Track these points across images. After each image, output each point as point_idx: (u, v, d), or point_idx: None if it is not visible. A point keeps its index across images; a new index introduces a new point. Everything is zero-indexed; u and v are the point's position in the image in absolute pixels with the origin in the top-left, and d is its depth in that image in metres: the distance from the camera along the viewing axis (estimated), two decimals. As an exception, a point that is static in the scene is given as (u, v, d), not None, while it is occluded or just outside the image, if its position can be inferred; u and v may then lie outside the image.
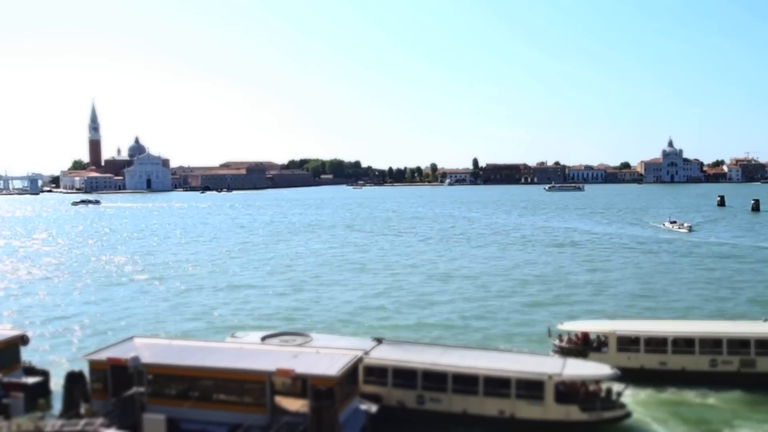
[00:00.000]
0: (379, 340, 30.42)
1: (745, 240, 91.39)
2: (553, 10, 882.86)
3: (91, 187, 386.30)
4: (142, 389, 24.49)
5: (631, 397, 28.06)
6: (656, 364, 31.95)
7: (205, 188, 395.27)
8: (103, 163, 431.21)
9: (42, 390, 28.89)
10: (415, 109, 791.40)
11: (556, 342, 34.28)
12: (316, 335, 32.04)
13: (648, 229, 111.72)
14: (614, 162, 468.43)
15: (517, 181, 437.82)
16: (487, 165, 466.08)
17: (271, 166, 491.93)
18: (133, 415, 24.20)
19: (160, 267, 72.97)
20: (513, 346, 35.73)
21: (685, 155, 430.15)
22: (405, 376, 27.18)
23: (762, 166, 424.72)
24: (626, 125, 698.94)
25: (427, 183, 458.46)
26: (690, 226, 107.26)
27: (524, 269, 67.33)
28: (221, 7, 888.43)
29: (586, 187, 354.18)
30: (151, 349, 27.18)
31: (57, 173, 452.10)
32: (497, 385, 26.37)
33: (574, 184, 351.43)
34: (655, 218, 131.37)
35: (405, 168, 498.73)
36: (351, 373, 25.66)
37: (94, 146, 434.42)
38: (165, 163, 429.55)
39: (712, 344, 31.80)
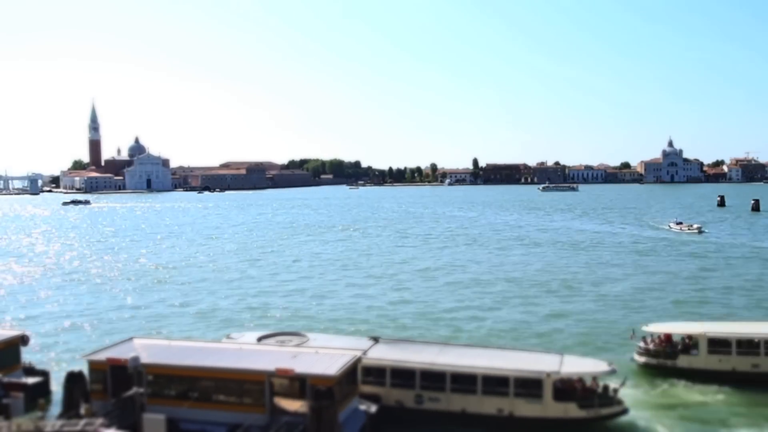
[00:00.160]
0: (376, 339, 30.54)
1: (763, 242, 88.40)
2: (554, 11, 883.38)
3: (91, 187, 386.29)
4: (141, 389, 24.56)
5: (627, 393, 28.09)
6: (748, 367, 31.62)
7: (204, 188, 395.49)
8: (103, 163, 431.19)
9: (42, 390, 28.94)
10: (415, 110, 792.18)
11: (641, 344, 33.91)
12: (313, 335, 32.12)
13: (654, 230, 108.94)
14: (614, 162, 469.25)
15: (517, 181, 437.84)
16: (487, 165, 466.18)
17: (271, 166, 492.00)
18: (133, 415, 24.26)
19: (159, 267, 73.01)
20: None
21: (685, 155, 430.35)
22: (403, 376, 27.26)
23: (762, 166, 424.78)
24: (626, 125, 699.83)
25: (427, 183, 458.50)
26: (699, 228, 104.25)
27: (545, 271, 65.53)
28: (221, 7, 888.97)
29: (587, 187, 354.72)
30: (151, 349, 27.24)
31: (57, 173, 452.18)
32: (496, 384, 26.47)
33: (568, 185, 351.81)
34: (655, 219, 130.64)
35: (405, 168, 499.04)
36: (350, 372, 25.72)
37: (94, 146, 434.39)
38: (165, 163, 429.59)
39: None
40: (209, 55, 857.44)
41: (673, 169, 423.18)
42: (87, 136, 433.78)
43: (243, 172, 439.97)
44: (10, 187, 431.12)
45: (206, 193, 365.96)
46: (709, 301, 50.79)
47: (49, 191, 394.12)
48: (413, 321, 45.40)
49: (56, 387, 28.98)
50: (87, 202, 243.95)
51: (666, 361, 32.76)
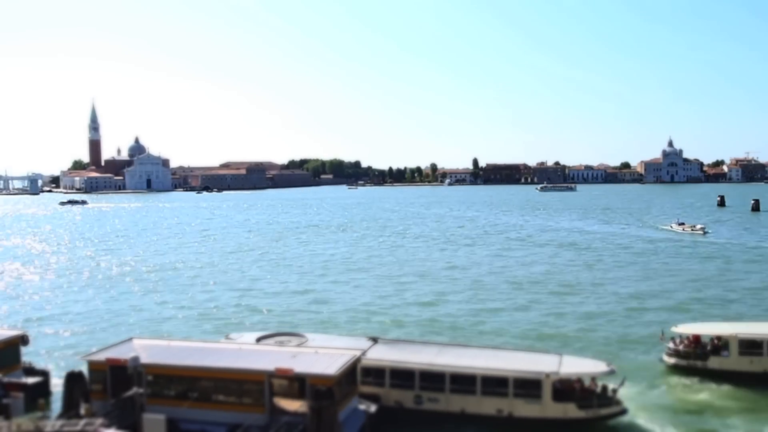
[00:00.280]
0: (375, 339, 30.60)
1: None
2: (555, 11, 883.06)
3: (91, 187, 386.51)
4: (141, 390, 24.59)
5: (625, 393, 28.16)
6: None
7: (204, 188, 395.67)
8: (103, 163, 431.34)
9: (42, 390, 28.95)
10: (415, 110, 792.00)
11: (670, 345, 33.79)
12: (311, 335, 32.16)
13: (657, 231, 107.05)
14: (614, 162, 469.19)
15: (517, 181, 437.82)
16: (487, 165, 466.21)
17: (271, 166, 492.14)
18: (133, 415, 24.29)
19: (158, 267, 73.04)
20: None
21: (685, 155, 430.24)
22: (402, 377, 27.31)
23: (762, 166, 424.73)
24: (626, 125, 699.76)
25: (427, 183, 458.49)
26: (703, 228, 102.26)
27: (558, 273, 64.36)
28: (221, 7, 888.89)
29: (585, 187, 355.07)
30: (150, 349, 27.27)
31: (57, 173, 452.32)
32: (495, 385, 26.53)
33: (566, 185, 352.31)
34: (656, 219, 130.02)
35: (405, 168, 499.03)
36: (350, 372, 25.75)
37: (94, 146, 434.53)
38: (165, 163, 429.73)
39: None
40: (209, 55, 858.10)
41: (673, 169, 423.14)
42: (87, 136, 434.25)
43: (243, 172, 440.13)
44: (10, 187, 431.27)
45: (205, 193, 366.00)
46: (730, 302, 49.96)
47: (49, 191, 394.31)
48: (416, 321, 45.41)
49: (56, 387, 29.01)
50: (84, 203, 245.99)
51: (696, 362, 32.53)
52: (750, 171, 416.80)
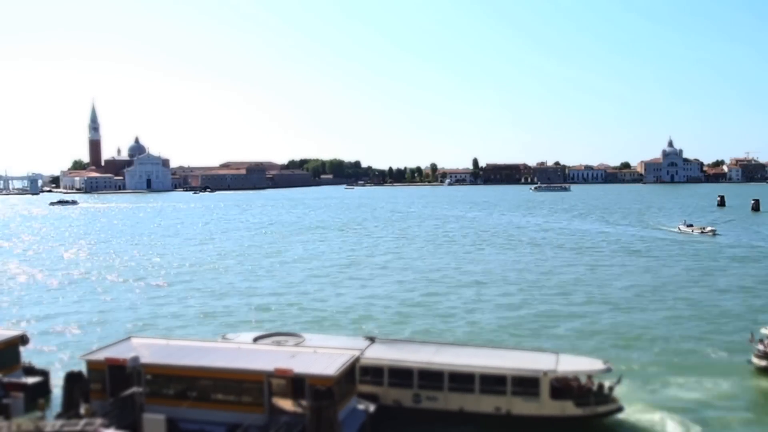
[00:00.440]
0: (372, 339, 30.67)
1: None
2: (554, 11, 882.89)
3: (91, 187, 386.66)
4: (140, 389, 24.64)
5: (622, 391, 28.29)
6: None
7: (204, 188, 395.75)
8: (103, 163, 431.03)
9: (42, 390, 29.02)
10: (415, 110, 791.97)
11: (760, 347, 33.43)
12: (309, 335, 32.21)
13: (666, 233, 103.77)
14: (614, 162, 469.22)
15: (517, 181, 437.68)
16: (487, 165, 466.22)
17: (271, 166, 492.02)
18: (132, 415, 24.34)
19: (156, 267, 73.10)
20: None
21: (685, 155, 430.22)
22: (401, 376, 27.39)
23: (762, 166, 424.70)
24: (626, 125, 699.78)
25: (427, 183, 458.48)
26: (713, 230, 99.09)
27: (584, 278, 61.50)
28: (221, 7, 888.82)
29: (584, 187, 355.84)
30: (149, 349, 27.31)
31: (57, 173, 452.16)
32: (493, 383, 26.67)
33: (560, 185, 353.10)
34: (658, 220, 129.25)
35: (405, 168, 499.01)
36: (349, 372, 25.81)
37: (94, 146, 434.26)
38: (165, 163, 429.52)
39: None
40: (209, 55, 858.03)
41: (673, 169, 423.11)
42: (87, 136, 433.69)
43: (243, 172, 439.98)
44: (10, 187, 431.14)
45: (202, 193, 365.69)
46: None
47: (50, 191, 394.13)
48: (415, 321, 45.51)
49: (56, 387, 29.07)
50: (74, 203, 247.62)
51: None
52: (750, 171, 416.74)
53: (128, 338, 29.63)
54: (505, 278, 62.30)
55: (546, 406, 26.41)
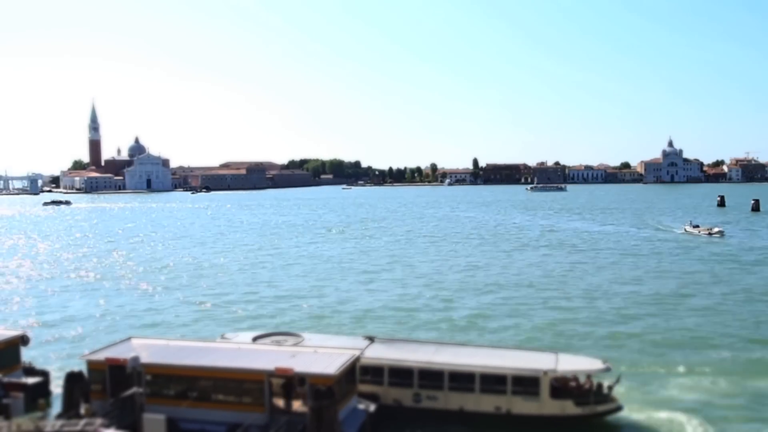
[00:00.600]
0: (371, 339, 30.65)
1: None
2: (555, 11, 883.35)
3: (91, 187, 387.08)
4: (140, 389, 24.64)
5: (621, 391, 28.35)
6: None
7: (204, 188, 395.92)
8: (103, 163, 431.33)
9: (42, 390, 28.94)
10: (415, 110, 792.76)
11: None
12: (308, 335, 32.18)
13: (669, 233, 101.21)
14: (614, 162, 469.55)
15: (517, 181, 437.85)
16: (487, 165, 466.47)
17: (271, 166, 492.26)
18: (132, 415, 24.34)
19: (156, 268, 73.12)
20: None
21: (685, 155, 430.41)
22: (401, 375, 27.40)
23: (762, 166, 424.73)
24: (627, 125, 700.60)
25: (427, 183, 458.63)
26: (721, 231, 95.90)
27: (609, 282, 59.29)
28: (221, 7, 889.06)
29: (583, 187, 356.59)
30: (149, 349, 27.30)
31: (57, 173, 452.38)
32: (493, 382, 26.69)
33: (556, 185, 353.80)
34: (659, 220, 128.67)
35: (405, 168, 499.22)
36: (349, 372, 25.81)
37: (94, 146, 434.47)
38: (165, 163, 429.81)
39: None
40: (209, 55, 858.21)
41: (673, 169, 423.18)
42: (87, 136, 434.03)
43: (243, 172, 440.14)
44: (10, 187, 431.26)
45: (200, 193, 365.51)
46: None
47: (50, 191, 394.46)
48: (413, 321, 45.50)
49: (56, 387, 29.06)
50: (68, 203, 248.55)
51: None
52: (750, 171, 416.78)
53: (128, 338, 29.60)
54: (506, 278, 62.29)
55: (546, 406, 26.45)
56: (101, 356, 26.25)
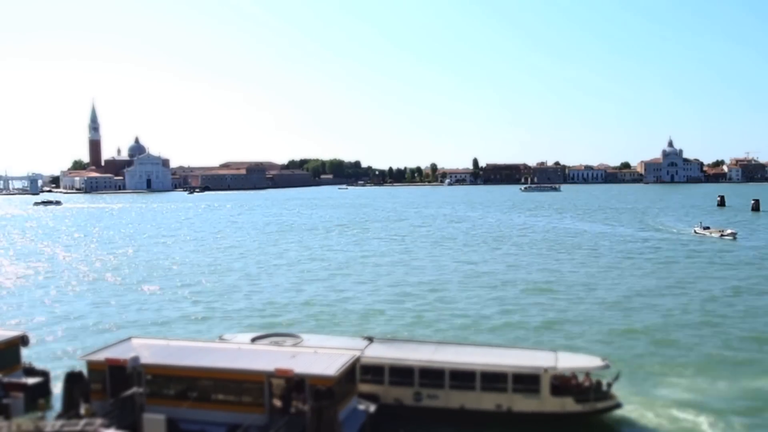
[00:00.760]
0: (371, 339, 30.65)
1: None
2: (555, 11, 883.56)
3: (91, 187, 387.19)
4: (140, 389, 24.62)
5: (620, 388, 28.39)
6: None
7: (202, 188, 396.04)
8: (103, 163, 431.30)
9: (42, 390, 28.96)
10: (415, 110, 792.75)
11: None
12: (307, 336, 32.17)
13: (680, 235, 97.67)
14: (614, 162, 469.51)
15: (517, 181, 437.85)
16: (487, 165, 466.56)
17: (271, 166, 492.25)
18: (132, 415, 24.32)
19: (155, 268, 73.09)
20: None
21: (685, 155, 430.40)
22: (402, 374, 27.41)
23: (762, 166, 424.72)
24: (626, 125, 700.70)
25: (427, 183, 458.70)
26: (734, 233, 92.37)
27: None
28: (221, 7, 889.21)
29: (580, 187, 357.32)
30: (149, 349, 27.28)
31: (57, 173, 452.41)
32: (494, 380, 26.77)
33: (550, 185, 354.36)
34: (660, 220, 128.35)
35: (405, 168, 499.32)
36: (349, 372, 25.80)
37: (94, 146, 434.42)
38: (165, 163, 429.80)
39: None
40: (209, 55, 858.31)
41: (673, 169, 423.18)
42: (87, 136, 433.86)
43: (243, 172, 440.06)
44: (10, 187, 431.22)
45: (197, 193, 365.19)
46: None
47: (49, 191, 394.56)
48: (412, 321, 45.49)
49: (56, 387, 29.06)
50: (58, 203, 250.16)
51: None
52: (750, 171, 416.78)
53: (128, 339, 29.59)
54: (509, 279, 62.29)
55: (546, 403, 26.57)
56: (101, 356, 26.23)
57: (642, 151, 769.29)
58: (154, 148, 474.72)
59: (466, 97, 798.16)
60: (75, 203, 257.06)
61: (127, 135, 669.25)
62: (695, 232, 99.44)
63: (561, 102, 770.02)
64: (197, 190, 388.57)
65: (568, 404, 26.70)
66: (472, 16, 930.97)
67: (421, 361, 27.55)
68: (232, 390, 24.72)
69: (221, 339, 31.92)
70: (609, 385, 27.62)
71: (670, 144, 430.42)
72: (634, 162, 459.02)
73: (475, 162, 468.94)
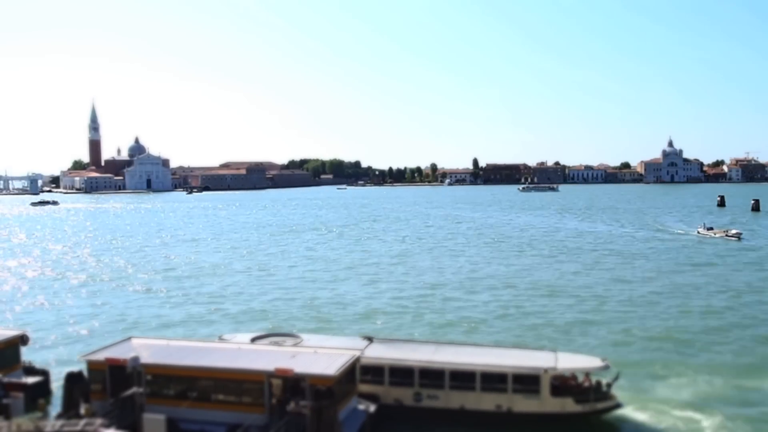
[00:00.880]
0: (370, 339, 30.63)
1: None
2: (555, 11, 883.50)
3: (91, 187, 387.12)
4: (140, 389, 24.61)
5: (620, 388, 28.40)
6: None
7: (201, 188, 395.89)
8: (103, 163, 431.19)
9: (42, 390, 28.95)
10: (415, 110, 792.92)
11: None
12: (306, 335, 32.17)
13: (687, 236, 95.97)
14: (614, 162, 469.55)
15: (517, 181, 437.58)
16: (487, 165, 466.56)
17: (271, 166, 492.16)
18: (132, 415, 24.31)
19: (155, 268, 73.11)
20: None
21: (685, 155, 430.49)
22: (402, 375, 27.39)
23: (762, 166, 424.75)
24: (627, 125, 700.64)
25: (427, 183, 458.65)
26: (739, 234, 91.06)
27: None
28: (221, 7, 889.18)
29: (577, 187, 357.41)
30: (149, 349, 27.27)
31: (57, 173, 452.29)
32: (494, 381, 26.75)
33: (548, 185, 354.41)
34: (662, 221, 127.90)
35: (405, 168, 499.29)
36: (349, 372, 25.79)
37: (94, 146, 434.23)
38: (165, 163, 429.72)
39: None
40: (209, 55, 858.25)
41: (673, 169, 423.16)
42: (87, 136, 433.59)
43: (243, 172, 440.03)
44: (10, 187, 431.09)
45: (196, 193, 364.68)
46: None
47: (49, 191, 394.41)
48: (411, 321, 45.50)
49: (56, 387, 29.05)
50: (55, 203, 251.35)
51: None
52: (750, 171, 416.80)
53: (128, 338, 29.58)
54: (508, 279, 62.26)
55: (547, 404, 26.55)
56: (101, 356, 26.23)
57: (642, 151, 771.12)
58: (154, 148, 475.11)
59: (467, 97, 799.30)
60: (73, 203, 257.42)
61: (127, 135, 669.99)
62: (698, 232, 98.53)
63: (561, 102, 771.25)
64: (195, 190, 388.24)
65: (568, 405, 26.68)
66: (472, 16, 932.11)
67: (421, 362, 27.53)
68: (232, 390, 24.71)
69: (221, 339, 31.91)
70: (609, 385, 27.60)
71: (670, 144, 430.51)
72: (634, 162, 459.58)
73: (475, 162, 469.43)
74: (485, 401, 26.77)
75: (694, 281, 59.37)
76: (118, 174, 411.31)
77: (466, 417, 26.83)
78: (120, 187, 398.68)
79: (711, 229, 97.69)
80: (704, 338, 40.16)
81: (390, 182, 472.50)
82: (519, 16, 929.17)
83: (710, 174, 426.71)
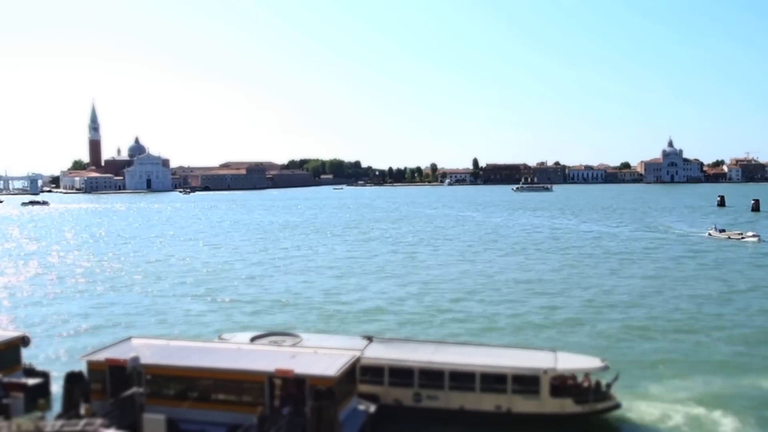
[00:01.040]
0: (370, 338, 30.64)
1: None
2: (555, 11, 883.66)
3: (91, 187, 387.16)
4: (140, 389, 24.63)
5: (619, 389, 28.43)
6: None
7: (205, 188, 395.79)
8: (103, 163, 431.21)
9: (42, 390, 28.93)
10: (415, 110, 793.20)
11: None
12: (306, 335, 32.18)
13: (700, 238, 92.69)
14: (614, 162, 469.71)
15: (517, 181, 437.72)
16: (487, 165, 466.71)
17: (271, 166, 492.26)
18: (132, 415, 24.32)
19: (155, 268, 73.09)
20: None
21: (685, 155, 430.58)
22: (402, 375, 27.41)
23: (762, 166, 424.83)
24: (626, 125, 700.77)
25: (427, 183, 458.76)
26: (757, 236, 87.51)
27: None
28: (221, 6, 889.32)
29: (581, 187, 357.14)
30: (149, 349, 27.28)
31: (57, 173, 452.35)
32: (494, 381, 26.76)
33: (542, 185, 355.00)
34: (661, 221, 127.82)
35: (405, 168, 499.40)
36: (350, 372, 25.81)
37: (94, 146, 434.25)
38: (165, 163, 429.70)
39: None
40: (210, 55, 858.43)
41: (673, 169, 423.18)
42: (87, 136, 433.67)
43: (243, 172, 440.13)
44: (10, 187, 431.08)
45: (193, 193, 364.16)
46: None
47: (49, 191, 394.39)
48: (410, 321, 45.49)
49: (56, 387, 29.06)
50: (45, 203, 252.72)
51: None
52: (750, 171, 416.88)
53: (128, 338, 29.59)
54: (508, 279, 62.28)
55: (546, 404, 26.56)
56: (101, 356, 26.25)
57: (642, 151, 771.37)
58: (154, 148, 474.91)
59: (467, 97, 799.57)
60: (65, 204, 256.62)
61: (127, 135, 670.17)
62: (710, 234, 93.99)
63: (561, 102, 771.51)
64: (188, 190, 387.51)
65: (568, 405, 26.68)
66: (473, 16, 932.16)
67: (420, 362, 27.54)
68: (233, 390, 24.72)
69: (220, 338, 31.91)
70: (608, 385, 27.60)
71: (670, 144, 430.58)
72: (634, 162, 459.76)
73: (475, 162, 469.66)
74: (485, 402, 26.78)
75: (697, 282, 59.20)
76: (118, 174, 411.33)
77: (466, 417, 26.82)
78: (120, 188, 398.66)
79: (723, 231, 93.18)
80: (704, 338, 40.17)
81: (390, 182, 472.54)
82: (519, 16, 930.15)
83: (710, 174, 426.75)
